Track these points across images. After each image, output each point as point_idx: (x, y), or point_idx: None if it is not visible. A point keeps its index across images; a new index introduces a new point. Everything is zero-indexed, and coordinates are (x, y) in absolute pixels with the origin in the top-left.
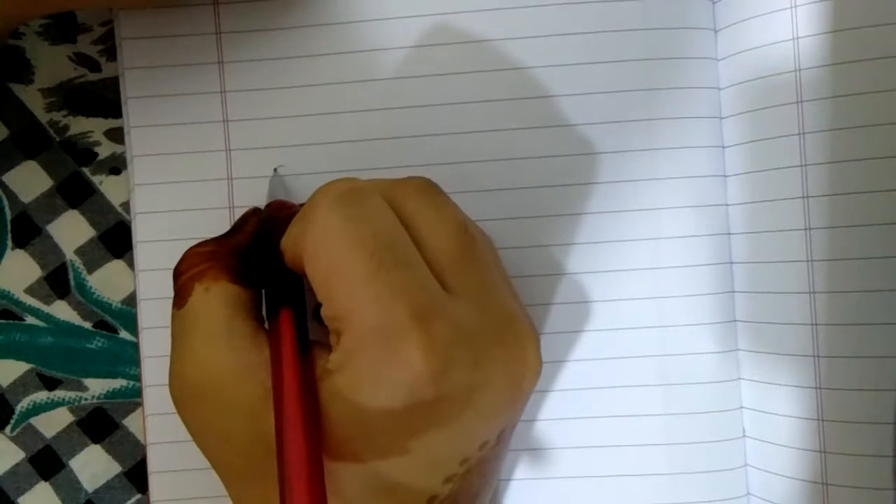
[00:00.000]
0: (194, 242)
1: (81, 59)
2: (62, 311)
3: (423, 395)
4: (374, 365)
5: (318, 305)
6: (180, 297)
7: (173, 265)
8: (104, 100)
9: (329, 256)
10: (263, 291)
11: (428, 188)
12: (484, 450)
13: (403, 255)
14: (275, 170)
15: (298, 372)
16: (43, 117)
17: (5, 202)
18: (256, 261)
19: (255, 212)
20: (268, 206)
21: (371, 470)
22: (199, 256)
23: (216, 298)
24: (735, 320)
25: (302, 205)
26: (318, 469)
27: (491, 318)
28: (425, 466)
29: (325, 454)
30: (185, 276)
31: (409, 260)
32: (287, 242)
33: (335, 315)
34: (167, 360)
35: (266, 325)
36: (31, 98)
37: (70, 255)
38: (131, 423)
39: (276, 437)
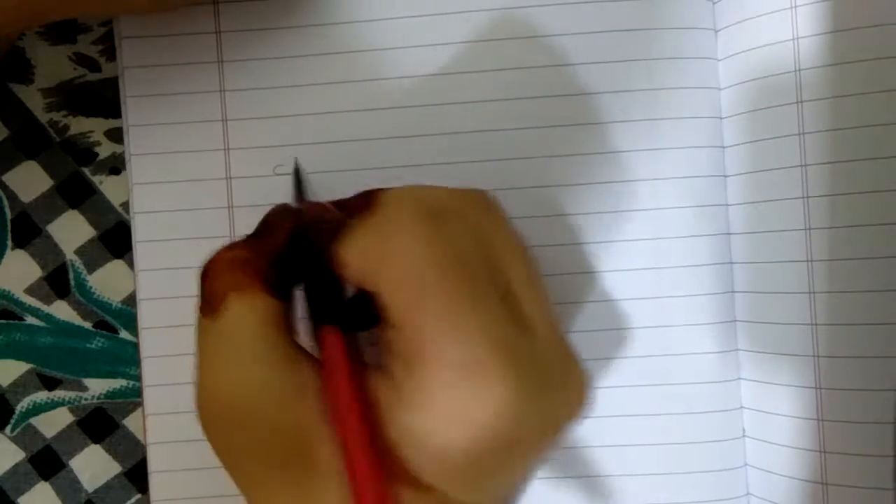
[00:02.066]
0: (194, 242)
1: (81, 59)
2: (62, 311)
3: (501, 433)
4: (456, 403)
5: (343, 303)
6: (211, 305)
7: (173, 265)
8: (104, 100)
9: (412, 283)
10: (304, 303)
11: (492, 203)
12: (522, 482)
13: (486, 285)
14: (296, 164)
15: (358, 400)
16: (43, 117)
17: (5, 202)
18: (291, 267)
19: (286, 210)
20: (304, 209)
21: (429, 500)
22: (234, 263)
23: (254, 314)
24: (735, 320)
25: (341, 206)
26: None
27: (557, 357)
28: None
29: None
30: (216, 281)
31: (491, 290)
32: (353, 254)
33: (411, 346)
34: (167, 361)
35: (295, 335)
36: (31, 98)
37: (70, 255)
38: (131, 423)
39: (347, 468)
